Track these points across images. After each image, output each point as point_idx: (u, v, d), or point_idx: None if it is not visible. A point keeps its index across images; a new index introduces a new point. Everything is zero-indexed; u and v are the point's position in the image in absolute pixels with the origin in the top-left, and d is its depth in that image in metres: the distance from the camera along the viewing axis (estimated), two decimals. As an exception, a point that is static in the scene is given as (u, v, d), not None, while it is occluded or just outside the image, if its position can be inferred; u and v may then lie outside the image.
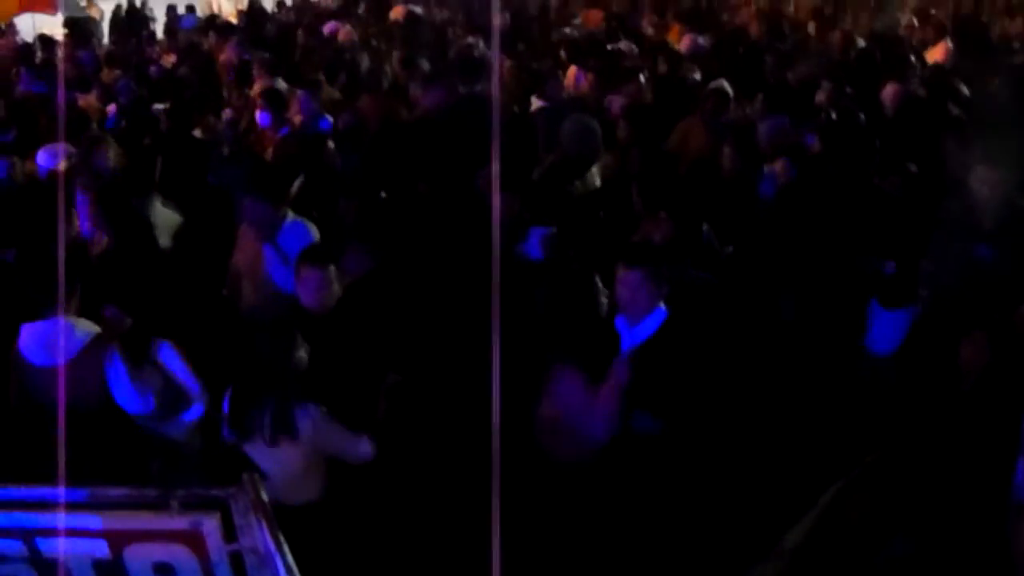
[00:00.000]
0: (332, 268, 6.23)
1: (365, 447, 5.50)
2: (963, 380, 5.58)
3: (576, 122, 8.47)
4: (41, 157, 8.93)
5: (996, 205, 6.83)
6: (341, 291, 6.25)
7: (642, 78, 10.67)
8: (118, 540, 3.84)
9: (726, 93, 9.65)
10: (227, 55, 14.23)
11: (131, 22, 21.00)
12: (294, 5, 22.24)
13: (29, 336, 5.74)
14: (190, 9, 21.88)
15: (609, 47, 12.64)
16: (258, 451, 5.31)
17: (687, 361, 5.57)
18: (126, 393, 5.65)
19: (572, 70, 11.66)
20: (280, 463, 5.29)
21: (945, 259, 6.59)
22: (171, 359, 5.84)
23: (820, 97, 9.95)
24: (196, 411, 5.90)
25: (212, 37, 16.15)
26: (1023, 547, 4.24)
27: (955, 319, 5.80)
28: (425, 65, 11.80)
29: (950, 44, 13.37)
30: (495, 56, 11.19)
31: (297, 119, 10.06)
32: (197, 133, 9.95)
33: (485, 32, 14.06)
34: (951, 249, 6.64)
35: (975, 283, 6.34)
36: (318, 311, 6.15)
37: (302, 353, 5.40)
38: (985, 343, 5.52)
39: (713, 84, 10.06)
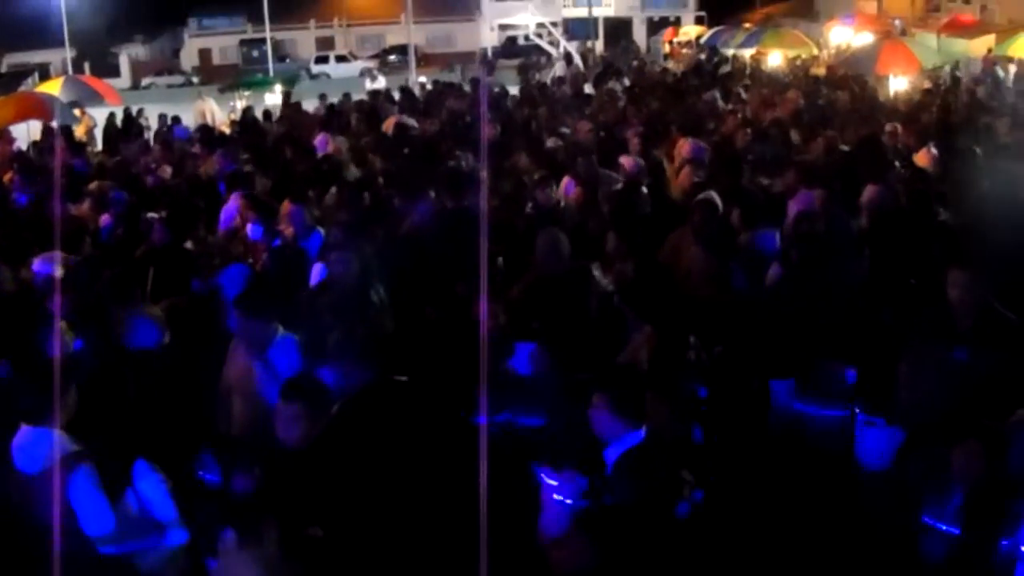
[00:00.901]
0: (306, 404, 5.91)
1: None
2: (958, 489, 5.58)
3: (546, 236, 8.37)
4: (37, 265, 8.93)
5: (971, 307, 6.90)
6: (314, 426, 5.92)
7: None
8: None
9: (714, 204, 9.66)
10: (210, 166, 14.44)
11: (127, 131, 21.13)
12: (284, 115, 22.50)
13: (19, 439, 5.75)
14: (175, 120, 22.17)
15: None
16: None
17: (638, 495, 5.44)
18: (89, 514, 5.56)
19: (565, 180, 11.76)
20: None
21: (922, 362, 6.61)
22: (148, 483, 5.75)
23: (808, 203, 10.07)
24: (173, 539, 5.77)
25: (198, 148, 16.34)
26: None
27: (940, 426, 5.81)
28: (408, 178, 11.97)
29: (933, 150, 13.56)
30: (483, 170, 11.26)
31: (288, 231, 10.09)
32: (188, 245, 9.95)
33: (474, 143, 14.18)
34: (928, 352, 6.67)
35: (954, 386, 6.36)
36: (292, 446, 5.90)
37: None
38: (980, 451, 5.53)
39: (701, 195, 10.10)
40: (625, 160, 12.39)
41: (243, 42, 66.23)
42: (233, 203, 11.26)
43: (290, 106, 23.89)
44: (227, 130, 21.20)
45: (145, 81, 60.16)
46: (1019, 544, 5.11)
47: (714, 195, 10.04)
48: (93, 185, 13.10)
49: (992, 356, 6.59)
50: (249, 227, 10.22)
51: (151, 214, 11.04)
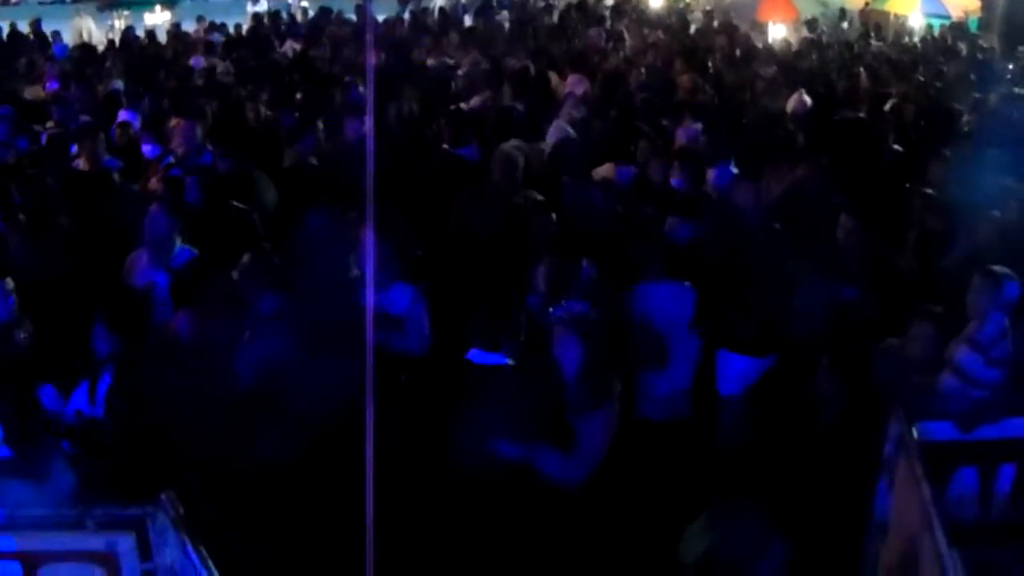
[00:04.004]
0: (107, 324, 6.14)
1: None
2: (823, 411, 6.03)
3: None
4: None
5: (859, 251, 7.36)
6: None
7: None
8: (31, 561, 3.89)
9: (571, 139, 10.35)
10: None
11: (13, 47, 20.41)
12: (169, 35, 22.12)
13: None
14: (56, 35, 21.59)
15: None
16: None
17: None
18: None
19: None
20: None
21: (812, 300, 7.08)
22: None
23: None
24: None
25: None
26: (878, 563, 4.59)
27: (817, 356, 6.24)
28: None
29: (805, 96, 14.15)
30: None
31: (180, 150, 10.06)
32: (81, 163, 9.87)
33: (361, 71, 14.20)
34: (817, 291, 7.13)
35: (840, 322, 6.84)
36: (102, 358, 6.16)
37: None
38: (838, 375, 5.98)
39: (552, 131, 10.85)
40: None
41: (118, -42, 64.03)
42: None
43: (173, 27, 23.45)
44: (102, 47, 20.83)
45: (14, -5, 57.72)
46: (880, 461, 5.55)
47: (564, 126, 10.87)
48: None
49: (877, 297, 7.08)
50: (143, 146, 10.21)
51: (37, 127, 10.99)
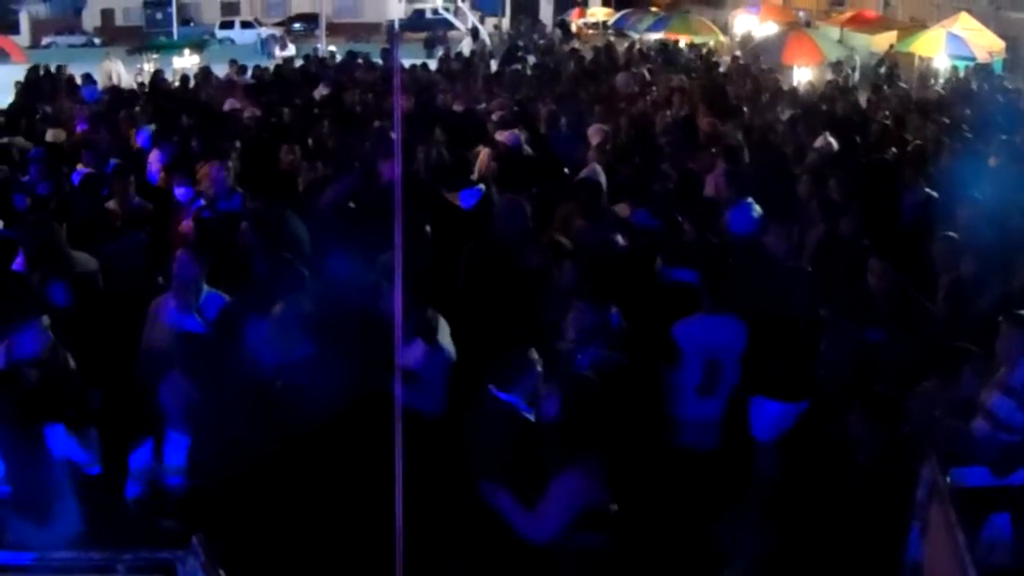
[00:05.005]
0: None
1: None
2: (855, 455, 5.98)
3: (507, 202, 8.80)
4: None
5: (888, 292, 7.34)
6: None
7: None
8: (62, 604, 3.91)
9: (598, 183, 10.15)
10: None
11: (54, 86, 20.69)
12: (197, 79, 22.33)
13: None
14: (86, 78, 21.85)
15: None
16: None
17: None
18: None
19: (483, 153, 11.93)
20: None
21: (840, 341, 7.04)
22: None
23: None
24: None
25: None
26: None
27: (846, 399, 6.20)
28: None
29: (829, 138, 14.14)
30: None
31: (210, 192, 10.11)
32: (112, 204, 9.95)
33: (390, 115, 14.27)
34: (845, 333, 7.10)
35: (868, 365, 6.80)
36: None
37: None
38: (870, 419, 5.94)
39: (584, 172, 10.67)
40: (501, 134, 12.67)
41: (147, 3, 64.68)
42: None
43: (202, 71, 23.64)
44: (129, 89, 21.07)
45: (45, 40, 58.52)
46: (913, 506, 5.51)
47: (597, 168, 10.76)
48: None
49: (906, 338, 7.04)
50: (175, 189, 10.27)
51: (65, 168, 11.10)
